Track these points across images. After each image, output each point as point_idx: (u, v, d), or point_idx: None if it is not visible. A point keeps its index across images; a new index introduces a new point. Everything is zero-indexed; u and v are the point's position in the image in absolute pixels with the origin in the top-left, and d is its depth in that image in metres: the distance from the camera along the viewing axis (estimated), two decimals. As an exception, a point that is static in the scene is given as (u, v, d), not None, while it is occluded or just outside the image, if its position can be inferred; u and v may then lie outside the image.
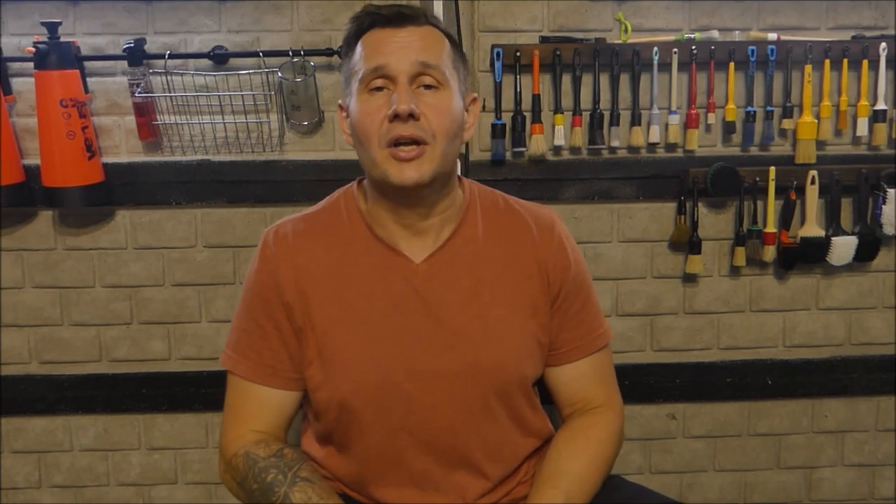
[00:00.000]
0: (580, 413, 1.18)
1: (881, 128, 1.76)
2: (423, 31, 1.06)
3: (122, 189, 1.74)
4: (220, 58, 1.70)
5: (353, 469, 1.15)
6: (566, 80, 1.74)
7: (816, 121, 1.76)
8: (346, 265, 1.11)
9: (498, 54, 1.69)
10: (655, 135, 1.75)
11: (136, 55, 1.66)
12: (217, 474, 1.89)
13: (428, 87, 1.03)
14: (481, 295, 1.10)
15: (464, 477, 1.12)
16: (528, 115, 1.72)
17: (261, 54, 1.69)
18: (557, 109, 1.73)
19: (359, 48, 1.06)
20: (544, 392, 1.23)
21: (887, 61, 1.74)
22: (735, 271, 1.84)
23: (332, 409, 1.11)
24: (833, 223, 1.80)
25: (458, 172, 1.18)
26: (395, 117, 1.00)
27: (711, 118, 1.75)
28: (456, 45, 1.10)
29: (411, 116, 1.00)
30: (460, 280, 1.10)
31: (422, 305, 1.09)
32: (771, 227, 1.78)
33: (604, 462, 1.13)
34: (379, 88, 1.03)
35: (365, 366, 1.08)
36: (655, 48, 1.71)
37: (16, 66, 1.70)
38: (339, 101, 1.13)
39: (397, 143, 1.01)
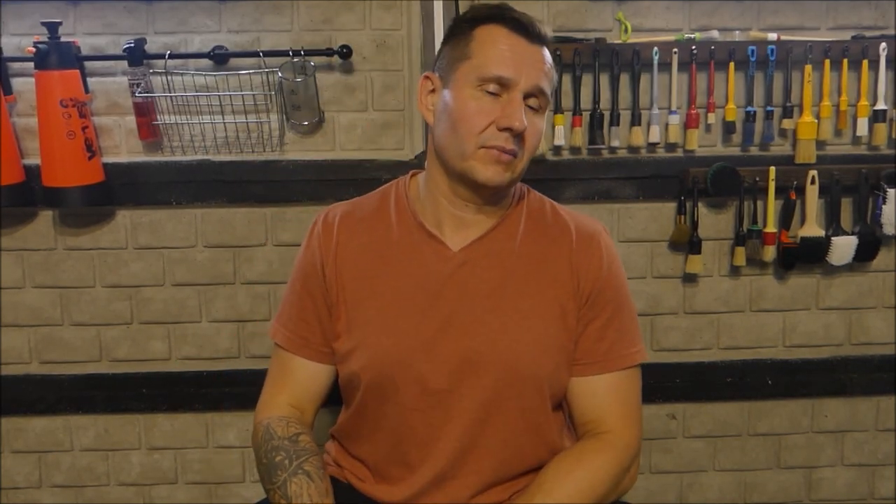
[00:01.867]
0: (590, 436, 1.14)
1: (881, 128, 1.76)
2: (544, 53, 1.09)
3: (122, 189, 1.74)
4: (220, 58, 1.70)
5: (369, 450, 1.17)
6: (566, 80, 1.74)
7: (816, 121, 1.76)
8: (384, 245, 1.15)
9: (498, 54, 1.69)
10: (655, 135, 1.75)
11: (137, 55, 1.66)
12: (217, 474, 1.90)
13: (531, 107, 1.08)
14: (509, 288, 1.12)
15: (465, 469, 1.12)
16: (528, 115, 1.72)
17: (261, 54, 1.69)
18: (557, 109, 1.74)
19: (479, 36, 1.07)
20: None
21: (887, 61, 1.74)
22: (735, 271, 1.84)
23: (354, 381, 1.15)
24: (833, 223, 1.80)
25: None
26: (508, 130, 1.05)
27: (711, 118, 1.76)
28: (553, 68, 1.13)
29: (521, 134, 1.06)
30: (492, 271, 1.13)
31: (449, 291, 1.12)
32: (771, 227, 1.78)
33: (594, 494, 1.08)
34: (492, 92, 1.06)
35: (385, 342, 1.11)
36: (655, 48, 1.71)
37: (16, 66, 1.70)
38: (426, 73, 1.15)
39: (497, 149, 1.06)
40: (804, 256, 1.80)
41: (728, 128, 1.76)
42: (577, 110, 1.73)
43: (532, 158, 1.70)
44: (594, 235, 1.17)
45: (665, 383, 1.87)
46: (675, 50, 1.71)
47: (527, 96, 1.07)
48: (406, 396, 1.11)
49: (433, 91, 1.13)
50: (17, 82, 1.71)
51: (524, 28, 1.07)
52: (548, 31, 1.11)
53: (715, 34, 1.74)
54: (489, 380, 1.10)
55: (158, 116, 1.73)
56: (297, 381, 1.19)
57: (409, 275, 1.13)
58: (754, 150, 1.81)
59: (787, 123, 1.76)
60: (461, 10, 1.67)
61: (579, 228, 1.18)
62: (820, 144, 1.79)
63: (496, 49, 1.06)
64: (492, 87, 1.05)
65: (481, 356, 1.10)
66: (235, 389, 1.82)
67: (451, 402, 1.11)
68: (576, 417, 1.17)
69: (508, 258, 1.14)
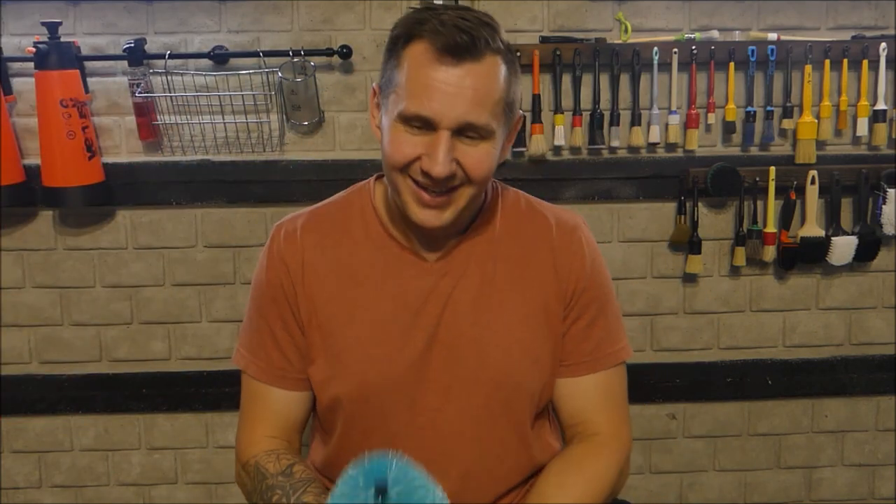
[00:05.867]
0: (581, 439, 1.11)
1: (881, 128, 1.76)
2: (478, 69, 0.95)
3: (122, 189, 1.74)
4: (220, 58, 1.70)
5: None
6: (566, 80, 1.74)
7: (816, 121, 1.76)
8: (356, 262, 1.08)
9: (498, 54, 1.69)
10: (655, 135, 1.75)
11: (137, 55, 1.66)
12: (217, 474, 1.90)
13: (470, 137, 0.97)
14: (492, 298, 1.07)
15: (462, 491, 1.08)
16: (528, 115, 1.72)
17: (261, 54, 1.69)
18: (557, 109, 1.73)
19: (405, 63, 0.97)
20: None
21: (887, 61, 1.74)
22: (735, 271, 1.84)
23: (336, 409, 1.09)
24: (833, 223, 1.80)
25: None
26: (428, 176, 0.96)
27: (711, 118, 1.75)
28: (514, 68, 1.01)
29: (445, 180, 0.96)
30: (472, 279, 1.07)
31: (431, 306, 1.06)
32: (771, 227, 1.78)
33: (596, 499, 1.05)
34: (418, 128, 0.96)
35: (370, 366, 1.06)
36: (655, 48, 1.71)
37: (16, 66, 1.70)
38: (374, 85, 1.06)
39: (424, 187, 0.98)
40: (804, 256, 1.80)
41: (728, 128, 1.76)
42: (577, 110, 1.73)
43: (532, 159, 1.73)
44: (574, 230, 1.12)
45: (665, 383, 1.87)
46: (675, 50, 1.71)
47: (459, 131, 0.96)
48: (394, 422, 1.06)
49: (378, 106, 1.05)
50: (17, 82, 1.71)
51: (451, 49, 0.93)
52: (487, 35, 0.94)
53: (715, 34, 1.73)
54: (481, 397, 1.06)
55: (158, 116, 1.72)
56: (275, 413, 1.11)
57: (387, 293, 1.06)
58: (754, 150, 1.80)
59: (787, 123, 1.76)
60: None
61: (559, 222, 1.12)
62: (820, 144, 1.79)
63: (418, 82, 0.95)
64: (415, 124, 0.96)
65: (472, 373, 1.06)
66: (235, 389, 1.79)
67: (441, 422, 1.06)
68: (564, 419, 1.14)
69: (488, 262, 1.08)
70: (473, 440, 1.08)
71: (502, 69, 0.98)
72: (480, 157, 0.98)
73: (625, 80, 1.75)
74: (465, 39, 0.93)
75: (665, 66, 1.73)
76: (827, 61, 1.73)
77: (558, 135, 1.73)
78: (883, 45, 1.72)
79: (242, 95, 1.72)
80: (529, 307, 1.08)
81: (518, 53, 1.66)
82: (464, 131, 0.96)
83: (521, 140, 1.73)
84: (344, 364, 1.07)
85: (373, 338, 1.06)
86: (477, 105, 0.95)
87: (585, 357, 1.11)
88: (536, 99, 1.72)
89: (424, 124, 0.96)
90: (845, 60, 1.73)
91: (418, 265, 1.07)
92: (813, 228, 1.79)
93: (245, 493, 1.10)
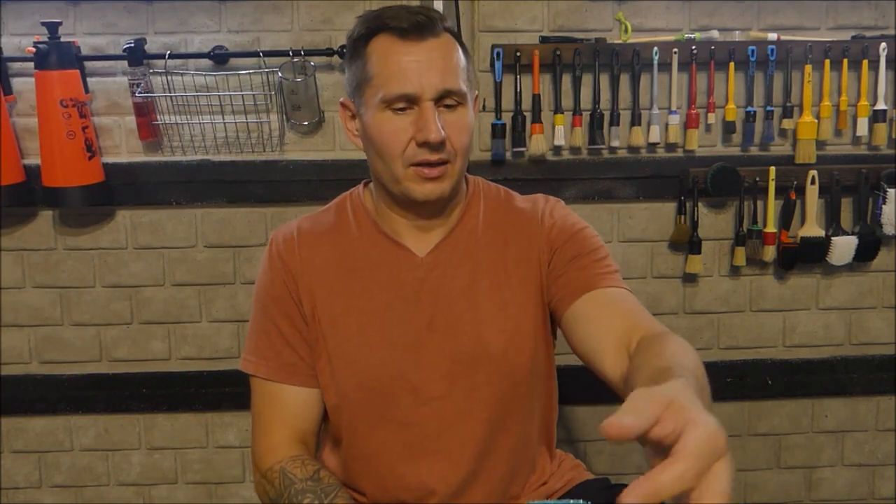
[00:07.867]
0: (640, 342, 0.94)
1: (881, 128, 1.76)
2: (441, 43, 1.03)
3: (122, 189, 1.74)
4: (220, 58, 1.70)
5: (358, 474, 1.13)
6: (566, 80, 1.74)
7: (816, 121, 1.76)
8: (351, 258, 1.12)
9: (498, 54, 1.69)
10: (655, 135, 1.75)
11: (137, 55, 1.66)
12: (217, 474, 1.90)
13: (449, 106, 1.03)
14: (481, 282, 1.11)
15: (481, 477, 1.10)
16: (528, 115, 1.72)
17: (261, 54, 1.69)
18: (557, 109, 1.74)
19: (373, 56, 1.03)
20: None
21: (887, 61, 1.74)
22: (735, 271, 1.84)
23: (342, 407, 1.10)
24: (833, 223, 1.80)
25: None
26: (426, 144, 1.01)
27: (711, 118, 1.76)
28: (464, 47, 1.08)
29: (441, 144, 1.01)
30: (461, 268, 1.11)
31: (425, 295, 1.09)
32: (771, 227, 1.78)
33: (699, 362, 0.80)
34: (402, 109, 1.02)
35: (371, 358, 1.08)
36: (655, 48, 1.71)
37: (16, 66, 1.70)
38: (342, 100, 1.12)
39: (423, 164, 1.03)
40: (804, 256, 1.80)
41: (728, 128, 1.76)
42: (577, 110, 1.73)
43: (532, 159, 1.73)
44: (537, 200, 1.17)
45: (665, 383, 1.87)
46: (675, 50, 1.71)
47: (439, 99, 1.02)
48: (399, 412, 1.08)
49: (353, 117, 1.10)
50: (17, 82, 1.71)
51: (413, 29, 1.01)
52: (439, 17, 1.05)
53: (715, 34, 1.74)
54: (482, 377, 1.08)
55: (158, 116, 1.72)
56: (292, 413, 1.11)
57: (382, 286, 1.10)
58: (754, 150, 1.81)
59: (787, 123, 1.76)
60: (461, 10, 1.67)
61: (532, 202, 1.17)
62: (820, 144, 1.79)
63: (391, 66, 1.01)
64: (399, 105, 1.01)
65: (470, 355, 1.08)
66: (235, 389, 1.82)
67: (445, 409, 1.08)
68: (608, 340, 0.98)
69: (475, 251, 1.12)
70: (481, 422, 1.09)
71: (457, 46, 1.07)
72: (461, 125, 1.05)
73: (625, 80, 1.75)
74: (423, 19, 1.02)
75: (665, 66, 1.73)
76: (827, 61, 1.73)
77: (558, 135, 1.73)
78: (883, 45, 1.72)
79: (242, 95, 1.72)
80: (517, 285, 1.11)
81: (518, 53, 1.69)
82: (443, 99, 1.02)
83: (521, 140, 1.73)
84: (342, 359, 1.09)
85: (371, 326, 1.09)
86: (449, 73, 1.02)
87: (586, 278, 1.06)
88: (536, 99, 1.72)
89: (408, 101, 1.01)
90: (845, 60, 1.73)
91: (410, 260, 1.11)
92: (813, 228, 1.79)
93: (266, 500, 1.09)
